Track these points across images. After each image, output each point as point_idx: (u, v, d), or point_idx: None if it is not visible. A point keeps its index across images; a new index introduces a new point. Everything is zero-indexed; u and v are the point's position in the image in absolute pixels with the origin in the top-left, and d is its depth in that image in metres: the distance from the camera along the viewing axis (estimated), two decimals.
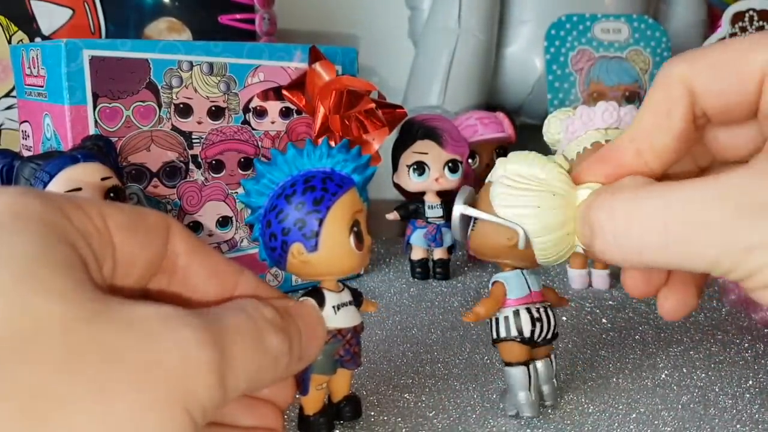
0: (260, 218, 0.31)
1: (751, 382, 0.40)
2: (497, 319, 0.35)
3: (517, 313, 0.35)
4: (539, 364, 0.36)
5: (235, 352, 0.20)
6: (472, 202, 0.32)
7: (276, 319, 0.22)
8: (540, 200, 0.29)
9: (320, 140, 0.52)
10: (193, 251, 0.23)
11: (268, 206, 0.30)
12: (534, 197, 0.29)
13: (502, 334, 0.35)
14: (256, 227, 0.31)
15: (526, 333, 0.34)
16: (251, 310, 0.22)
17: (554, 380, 0.36)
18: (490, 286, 0.35)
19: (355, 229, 0.30)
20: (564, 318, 0.50)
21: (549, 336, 0.35)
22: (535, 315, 0.35)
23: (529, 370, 0.35)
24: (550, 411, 0.36)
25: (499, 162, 0.31)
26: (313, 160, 0.31)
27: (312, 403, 0.33)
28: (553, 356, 0.36)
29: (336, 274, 0.31)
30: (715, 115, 0.25)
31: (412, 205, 0.59)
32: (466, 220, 0.32)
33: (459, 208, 0.32)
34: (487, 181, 0.32)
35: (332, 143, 0.31)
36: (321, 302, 0.31)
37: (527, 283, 0.35)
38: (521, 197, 0.30)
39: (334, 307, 0.31)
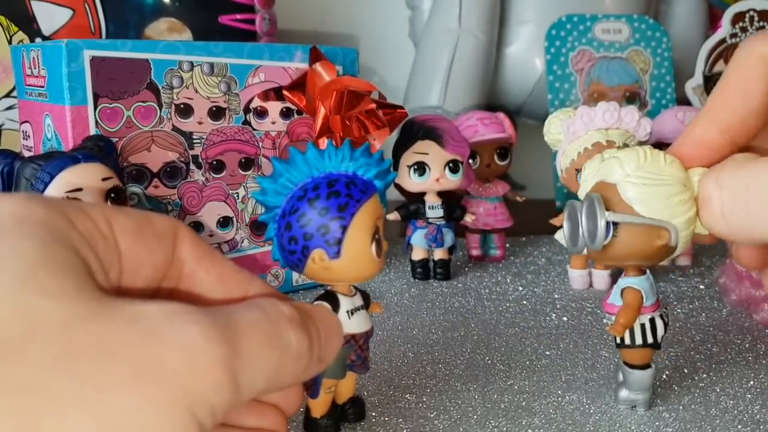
0: (277, 218, 0.30)
1: (752, 383, 0.40)
2: (632, 328, 0.34)
3: (653, 322, 0.34)
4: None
5: (248, 348, 0.19)
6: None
7: (295, 316, 0.21)
8: (679, 192, 0.28)
9: (320, 141, 0.53)
10: (200, 258, 0.23)
11: (288, 208, 0.29)
12: (673, 190, 0.28)
13: (638, 341, 0.34)
14: (270, 227, 0.30)
15: (659, 338, 0.34)
16: (268, 307, 0.21)
17: None
18: (619, 293, 0.34)
19: (377, 236, 0.29)
20: (564, 318, 0.50)
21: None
22: (666, 320, 0.35)
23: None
24: (552, 412, 0.36)
25: (611, 164, 0.29)
26: (334, 162, 0.29)
27: (320, 406, 0.33)
28: None
29: (355, 280, 0.31)
30: None
31: (412, 205, 0.59)
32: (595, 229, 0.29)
33: (606, 216, 0.29)
34: (587, 190, 0.30)
35: (327, 144, 0.31)
36: (335, 307, 0.31)
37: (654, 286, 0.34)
38: (662, 192, 0.28)
39: (348, 311, 0.31)
